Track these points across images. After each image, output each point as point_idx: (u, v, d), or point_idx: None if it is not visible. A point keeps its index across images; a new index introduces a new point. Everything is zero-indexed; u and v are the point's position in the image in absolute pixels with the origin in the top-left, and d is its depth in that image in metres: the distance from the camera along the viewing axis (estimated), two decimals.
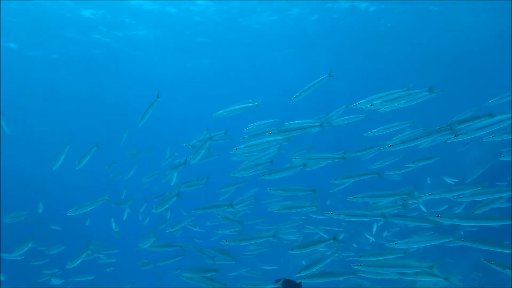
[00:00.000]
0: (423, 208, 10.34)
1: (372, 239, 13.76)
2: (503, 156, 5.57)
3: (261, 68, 28.72)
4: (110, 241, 13.11)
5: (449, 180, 10.24)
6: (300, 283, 7.44)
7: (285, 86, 22.44)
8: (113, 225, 11.33)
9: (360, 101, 6.17)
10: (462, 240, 4.72)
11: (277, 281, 7.20)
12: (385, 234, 13.28)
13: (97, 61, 26.15)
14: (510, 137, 5.28)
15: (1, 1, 18.82)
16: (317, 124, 6.16)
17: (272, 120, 7.31)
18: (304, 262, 17.31)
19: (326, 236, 5.98)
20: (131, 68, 27.71)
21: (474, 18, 22.25)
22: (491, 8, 20.87)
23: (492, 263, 4.49)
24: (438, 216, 4.84)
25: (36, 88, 28.47)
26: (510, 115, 4.98)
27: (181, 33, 23.88)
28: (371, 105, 5.82)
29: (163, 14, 21.82)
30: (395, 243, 5.03)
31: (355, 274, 5.72)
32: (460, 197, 5.37)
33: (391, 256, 5.19)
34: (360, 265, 4.83)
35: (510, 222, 4.61)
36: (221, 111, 6.74)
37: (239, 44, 25.57)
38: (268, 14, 22.25)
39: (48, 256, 12.21)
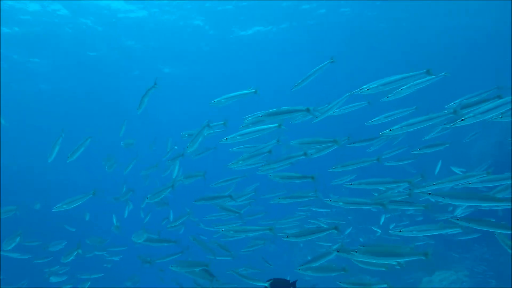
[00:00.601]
0: (431, 199, 10.08)
1: (379, 231, 13.50)
2: None
3: (259, 71, 28.73)
4: (113, 239, 13.04)
5: (457, 170, 9.98)
6: (295, 282, 7.27)
7: (282, 87, 22.45)
8: (114, 220, 11.23)
9: (363, 87, 6.00)
10: (457, 219, 4.48)
11: (268, 281, 7.03)
12: (391, 226, 13.04)
13: (94, 64, 26.47)
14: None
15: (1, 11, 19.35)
16: (303, 108, 6.15)
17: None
18: (309, 258, 17.10)
19: (325, 226, 5.81)
20: (130, 70, 27.86)
21: (473, 17, 22.10)
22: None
23: (495, 235, 4.28)
24: (429, 194, 4.63)
25: (35, 91, 28.82)
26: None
27: (179, 38, 24.12)
28: (368, 89, 5.66)
29: (158, 21, 22.34)
30: (400, 231, 4.84)
31: (345, 271, 5.62)
32: (470, 183, 5.15)
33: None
34: (356, 251, 4.65)
35: (509, 205, 4.35)
36: (219, 98, 6.58)
37: (231, 50, 25.94)
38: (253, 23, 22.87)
39: (52, 254, 12.11)
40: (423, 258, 4.48)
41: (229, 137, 6.31)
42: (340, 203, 5.48)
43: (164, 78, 28.88)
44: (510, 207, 4.49)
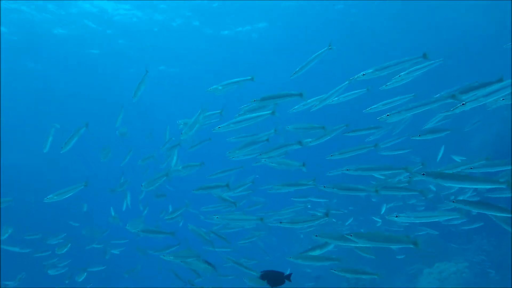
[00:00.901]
0: (433, 188, 10.05)
1: (380, 222, 13.41)
2: None
3: (255, 69, 28.53)
4: (112, 231, 13.01)
5: (457, 158, 9.90)
6: (289, 275, 7.23)
7: (278, 87, 22.31)
8: (112, 212, 11.21)
9: (360, 73, 5.91)
10: (453, 201, 4.38)
11: (262, 272, 6.99)
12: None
13: (90, 62, 26.59)
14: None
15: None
16: (296, 93, 6.13)
17: None
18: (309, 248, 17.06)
19: (319, 214, 5.77)
20: (126, 68, 27.83)
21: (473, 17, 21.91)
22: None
23: (494, 218, 4.18)
24: (423, 174, 4.54)
25: (33, 91, 28.91)
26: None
27: (175, 37, 24.22)
28: (363, 74, 5.57)
29: (152, 20, 22.45)
30: (396, 216, 4.75)
31: (339, 261, 5.62)
32: (471, 168, 5.06)
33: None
34: (351, 235, 4.59)
35: (508, 190, 4.25)
36: (216, 85, 6.47)
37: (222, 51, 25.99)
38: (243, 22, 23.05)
39: (51, 247, 12.09)
40: (411, 246, 4.37)
41: (222, 125, 6.21)
42: (334, 189, 5.45)
43: (160, 76, 28.85)
44: (508, 193, 4.40)
